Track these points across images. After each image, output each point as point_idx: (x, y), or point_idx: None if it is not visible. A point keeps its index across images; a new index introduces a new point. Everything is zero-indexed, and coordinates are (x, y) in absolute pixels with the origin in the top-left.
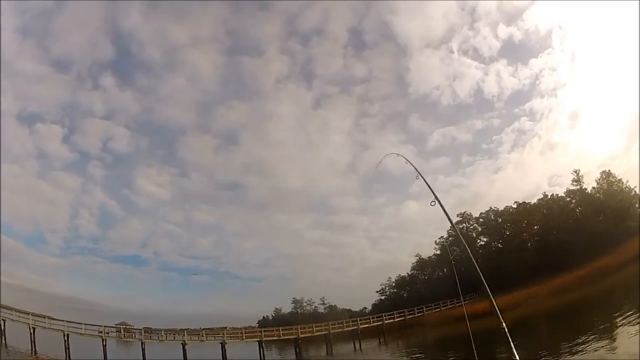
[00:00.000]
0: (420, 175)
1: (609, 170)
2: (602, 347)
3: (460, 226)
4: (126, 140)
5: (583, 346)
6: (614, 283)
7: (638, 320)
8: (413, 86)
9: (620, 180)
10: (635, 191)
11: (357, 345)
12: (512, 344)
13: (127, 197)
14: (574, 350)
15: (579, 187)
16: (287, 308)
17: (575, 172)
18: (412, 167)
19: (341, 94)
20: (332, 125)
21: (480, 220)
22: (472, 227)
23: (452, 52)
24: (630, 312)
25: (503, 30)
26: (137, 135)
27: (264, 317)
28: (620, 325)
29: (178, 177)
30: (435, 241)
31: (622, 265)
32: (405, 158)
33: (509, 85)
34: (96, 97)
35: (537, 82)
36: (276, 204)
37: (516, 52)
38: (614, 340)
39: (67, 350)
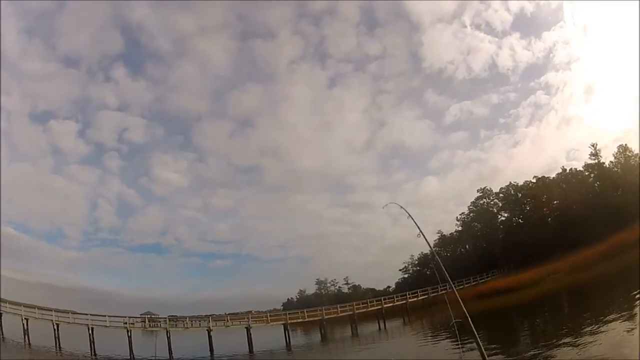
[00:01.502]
0: (419, 228)
1: (626, 145)
2: (624, 328)
3: (481, 202)
4: (141, 129)
5: (605, 326)
6: (633, 259)
7: None
8: (427, 61)
9: (637, 154)
10: None
11: (382, 325)
12: (476, 335)
13: (145, 186)
14: (594, 330)
15: (596, 161)
16: (311, 289)
17: (593, 145)
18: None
19: (356, 72)
20: (347, 104)
21: (501, 195)
22: (492, 202)
23: (464, 26)
24: None
25: (514, 4)
26: (152, 124)
27: (288, 299)
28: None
29: (195, 163)
30: (457, 217)
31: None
32: (403, 208)
33: (523, 58)
34: (108, 89)
35: (551, 55)
36: (293, 185)
37: (528, 25)
38: (634, 319)
39: (92, 344)
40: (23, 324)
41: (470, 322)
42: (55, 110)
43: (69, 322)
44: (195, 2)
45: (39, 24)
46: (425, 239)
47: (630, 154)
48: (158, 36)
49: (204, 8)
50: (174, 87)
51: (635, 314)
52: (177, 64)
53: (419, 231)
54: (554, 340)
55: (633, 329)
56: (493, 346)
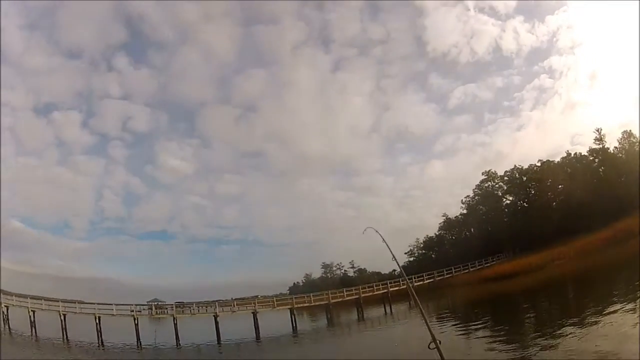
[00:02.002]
0: (390, 251)
1: (630, 131)
2: (628, 317)
3: (486, 184)
4: (145, 117)
5: (608, 316)
6: (637, 246)
7: None
8: (431, 44)
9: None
10: None
11: (388, 309)
12: (426, 319)
13: (151, 173)
14: (598, 320)
15: (601, 146)
16: (317, 273)
17: (597, 130)
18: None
19: (360, 56)
20: (351, 88)
21: (505, 178)
22: (497, 185)
23: (468, 9)
24: None
25: None
26: (156, 112)
27: (294, 283)
28: None
29: (200, 150)
30: (462, 200)
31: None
32: (378, 232)
33: (527, 42)
34: (111, 78)
35: (555, 39)
36: (299, 169)
37: (532, 8)
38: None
39: (99, 333)
40: (30, 316)
41: (421, 309)
42: (59, 102)
43: (75, 312)
44: None
45: (41, 18)
46: (396, 261)
47: (634, 140)
48: (161, 25)
49: None
50: (178, 75)
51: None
52: (180, 52)
53: (390, 255)
54: (557, 328)
55: (637, 323)
56: (501, 332)
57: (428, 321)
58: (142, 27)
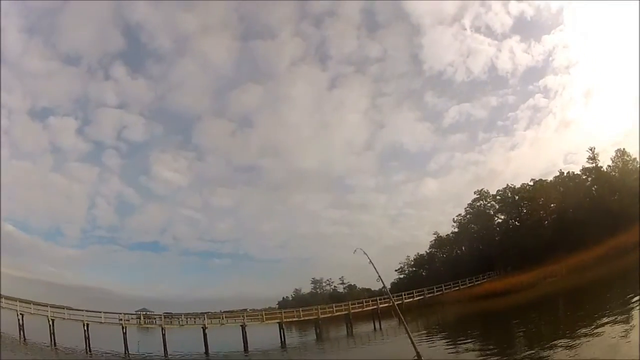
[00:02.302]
0: (377, 271)
1: (624, 149)
2: (618, 332)
3: (478, 203)
4: (141, 128)
5: (600, 329)
6: (629, 262)
7: None
8: (427, 63)
9: (635, 159)
10: None
11: (377, 325)
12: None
13: (144, 184)
14: (589, 333)
15: (594, 165)
16: (306, 288)
17: (591, 149)
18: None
19: (356, 73)
20: (347, 105)
21: (498, 197)
22: (489, 204)
23: (464, 28)
24: None
25: (514, 6)
26: (151, 122)
27: (283, 298)
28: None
29: (195, 162)
30: (453, 219)
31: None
32: (365, 254)
33: (523, 61)
34: (108, 87)
35: (551, 58)
36: (293, 185)
37: (528, 28)
38: (629, 324)
39: (86, 340)
40: (18, 319)
41: (405, 326)
42: (55, 107)
43: (64, 318)
44: (197, 2)
45: (41, 22)
46: (382, 281)
47: (628, 158)
48: (159, 35)
49: (205, 8)
50: (174, 86)
51: (631, 317)
52: (178, 63)
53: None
54: (549, 343)
55: (628, 332)
56: (490, 347)
57: (412, 337)
58: (140, 36)
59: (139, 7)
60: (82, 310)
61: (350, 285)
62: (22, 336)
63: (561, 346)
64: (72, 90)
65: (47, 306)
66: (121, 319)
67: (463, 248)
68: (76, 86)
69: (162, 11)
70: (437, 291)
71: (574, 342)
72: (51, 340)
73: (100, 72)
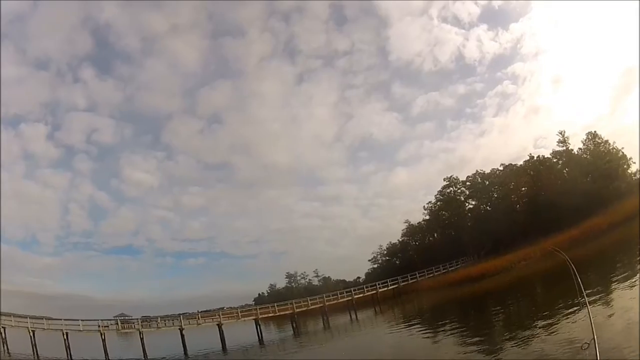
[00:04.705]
0: None
1: (595, 132)
2: (601, 311)
3: (448, 190)
4: (110, 130)
5: (581, 312)
6: (605, 244)
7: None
8: (394, 54)
9: (606, 141)
10: (623, 152)
11: (354, 316)
12: None
13: (116, 187)
14: (569, 313)
15: (565, 148)
16: (281, 283)
17: (561, 133)
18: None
19: (325, 67)
20: (316, 99)
21: (468, 183)
22: (459, 190)
23: (432, 19)
24: (626, 274)
25: None
26: (121, 124)
27: (259, 294)
28: (617, 289)
29: (165, 162)
30: (424, 206)
31: (613, 225)
32: None
33: (490, 49)
34: (77, 90)
35: (519, 46)
36: (264, 180)
37: (496, 17)
38: (611, 304)
39: (67, 349)
40: (1, 333)
41: None
42: (26, 114)
43: (44, 329)
44: (165, 2)
45: (11, 27)
46: None
47: (600, 140)
48: (127, 35)
49: (174, 6)
50: (143, 86)
51: (611, 297)
52: (146, 63)
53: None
54: (529, 324)
55: (610, 310)
56: (469, 332)
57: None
58: (108, 37)
59: (107, 7)
60: (61, 320)
61: (325, 277)
62: (5, 350)
63: (541, 327)
64: (41, 95)
65: (26, 318)
66: (99, 326)
67: (435, 235)
68: (46, 91)
69: (130, 11)
70: (411, 279)
71: (553, 322)
72: (33, 352)
73: (69, 75)
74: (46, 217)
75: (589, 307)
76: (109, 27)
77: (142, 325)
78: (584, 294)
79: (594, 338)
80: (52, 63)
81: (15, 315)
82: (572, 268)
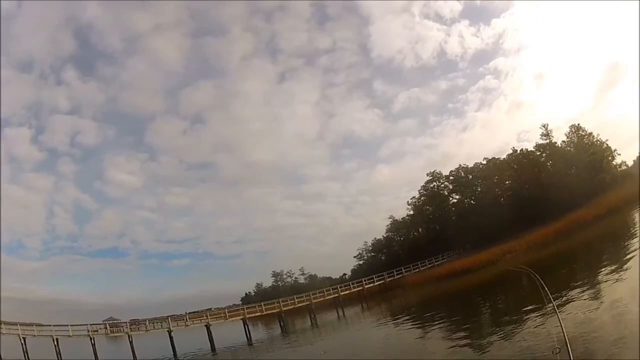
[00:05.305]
0: None
1: (579, 124)
2: (589, 299)
3: (431, 185)
4: (93, 132)
5: (570, 301)
6: (590, 235)
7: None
8: (376, 51)
9: (590, 134)
10: (607, 144)
11: (341, 313)
12: None
13: (99, 189)
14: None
15: (548, 141)
16: (268, 282)
17: (544, 126)
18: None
19: (306, 66)
20: (298, 98)
21: (451, 178)
22: (443, 185)
23: (413, 16)
24: (614, 266)
25: None
26: (103, 125)
27: (246, 293)
28: (605, 281)
29: (148, 162)
30: (408, 202)
31: (598, 217)
32: None
33: (472, 45)
34: (60, 92)
35: (501, 41)
36: (247, 179)
37: (478, 12)
38: (599, 293)
39: (58, 355)
40: None
41: None
42: (10, 117)
43: (34, 335)
44: (147, 1)
45: None
46: None
47: (583, 133)
48: (109, 35)
49: (156, 6)
50: (126, 86)
51: (600, 289)
52: (129, 63)
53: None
54: (516, 316)
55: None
56: (458, 326)
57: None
58: (90, 38)
59: (89, 7)
60: (50, 326)
61: (311, 275)
62: None
63: (529, 319)
64: (24, 98)
65: (17, 325)
66: (89, 331)
67: (420, 230)
68: (29, 94)
69: (112, 11)
70: (397, 274)
71: (542, 314)
72: (26, 358)
73: (52, 77)
74: (31, 221)
75: (558, 314)
76: (91, 27)
77: (130, 329)
78: (554, 303)
79: (566, 343)
80: (36, 65)
81: (5, 323)
82: (539, 280)
